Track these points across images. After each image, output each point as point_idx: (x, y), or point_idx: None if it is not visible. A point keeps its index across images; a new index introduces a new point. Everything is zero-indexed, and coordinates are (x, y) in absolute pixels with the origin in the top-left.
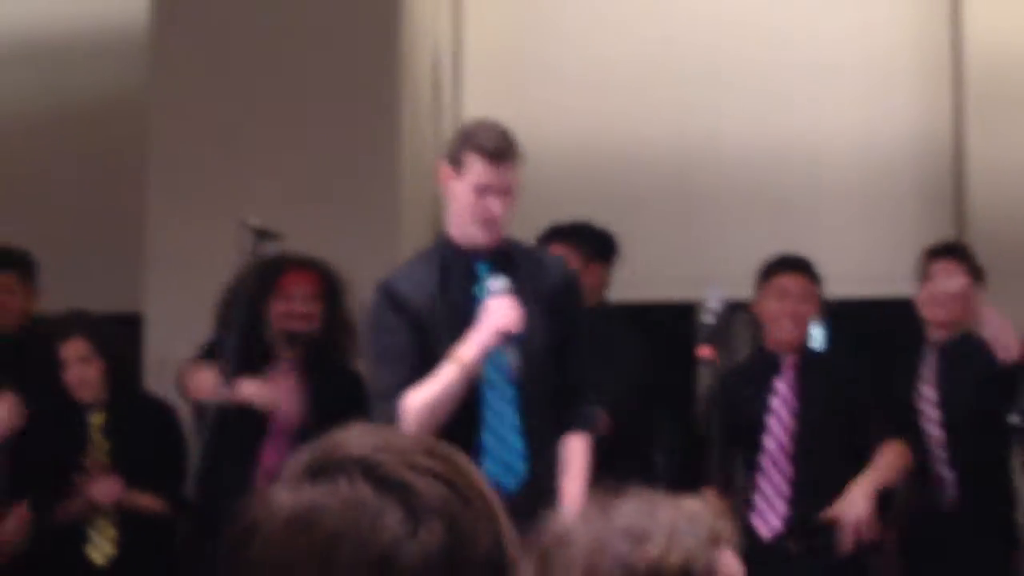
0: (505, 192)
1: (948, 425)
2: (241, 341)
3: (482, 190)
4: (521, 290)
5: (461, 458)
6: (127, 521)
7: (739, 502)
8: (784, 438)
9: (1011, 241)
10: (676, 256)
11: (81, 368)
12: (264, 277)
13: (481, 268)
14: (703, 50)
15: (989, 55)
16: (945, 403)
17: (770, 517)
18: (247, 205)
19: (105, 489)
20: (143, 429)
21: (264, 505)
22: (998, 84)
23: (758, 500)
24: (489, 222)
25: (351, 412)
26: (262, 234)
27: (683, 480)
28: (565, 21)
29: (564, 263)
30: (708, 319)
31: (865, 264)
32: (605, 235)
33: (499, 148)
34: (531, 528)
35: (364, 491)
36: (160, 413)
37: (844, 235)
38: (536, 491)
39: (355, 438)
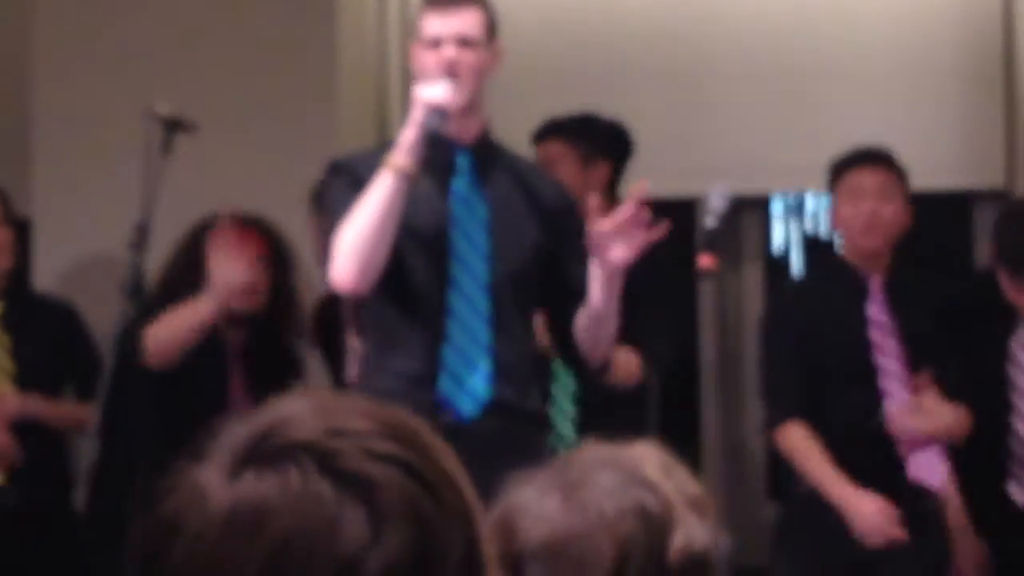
0: (463, 40)
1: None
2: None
3: (434, 41)
4: (505, 189)
5: (428, 438)
6: (22, 432)
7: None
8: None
9: None
10: (675, 144)
11: (3, 233)
12: (194, 244)
13: (461, 160)
14: None
15: None
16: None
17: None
18: (149, 93)
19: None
20: (45, 323)
21: (192, 497)
22: None
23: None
24: (450, 73)
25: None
26: (173, 124)
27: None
28: None
29: (565, 188)
30: (711, 222)
31: (902, 155)
32: (614, 128)
33: None
34: (490, 463)
35: (320, 487)
36: (62, 312)
37: (875, 121)
38: (500, 420)
39: (303, 417)
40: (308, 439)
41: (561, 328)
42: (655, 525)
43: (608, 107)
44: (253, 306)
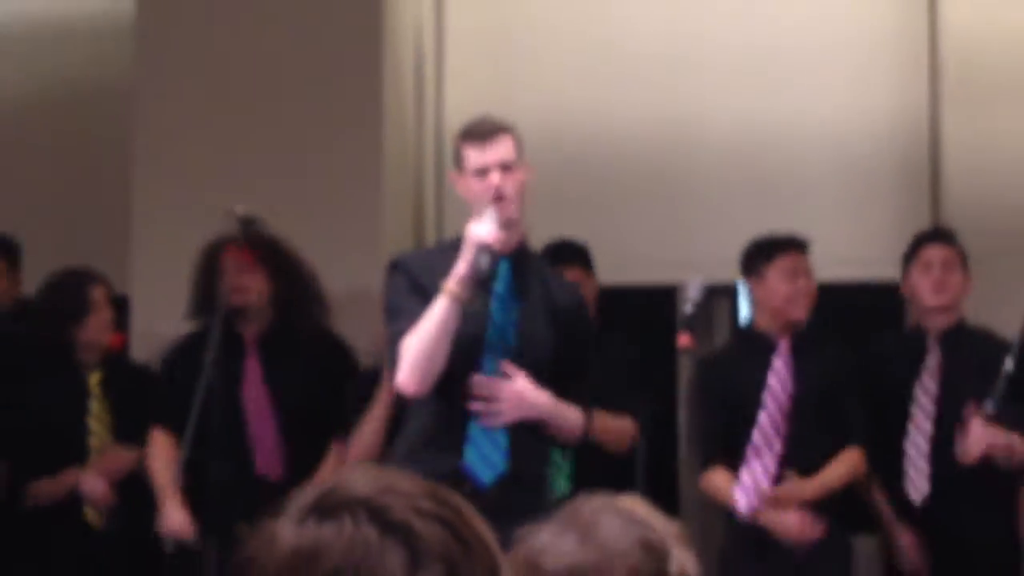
0: (504, 166)
1: (941, 419)
2: (218, 329)
3: (480, 171)
4: (533, 296)
5: (463, 503)
6: (124, 483)
7: None
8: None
9: (985, 227)
10: (658, 240)
11: (105, 311)
12: (207, 258)
13: (503, 266)
14: (687, 37)
15: (965, 44)
16: (944, 396)
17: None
18: (230, 191)
19: (96, 488)
20: (138, 388)
21: (266, 539)
22: (974, 72)
23: None
24: (497, 197)
25: (325, 385)
26: (247, 221)
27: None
28: (548, 9)
29: (579, 290)
30: (688, 308)
31: (844, 248)
32: (581, 246)
33: (482, 128)
34: (501, 526)
35: (368, 532)
36: (151, 378)
37: (823, 220)
38: (513, 488)
39: (361, 479)
40: (363, 495)
41: None
42: (656, 554)
43: (602, 211)
44: (248, 303)
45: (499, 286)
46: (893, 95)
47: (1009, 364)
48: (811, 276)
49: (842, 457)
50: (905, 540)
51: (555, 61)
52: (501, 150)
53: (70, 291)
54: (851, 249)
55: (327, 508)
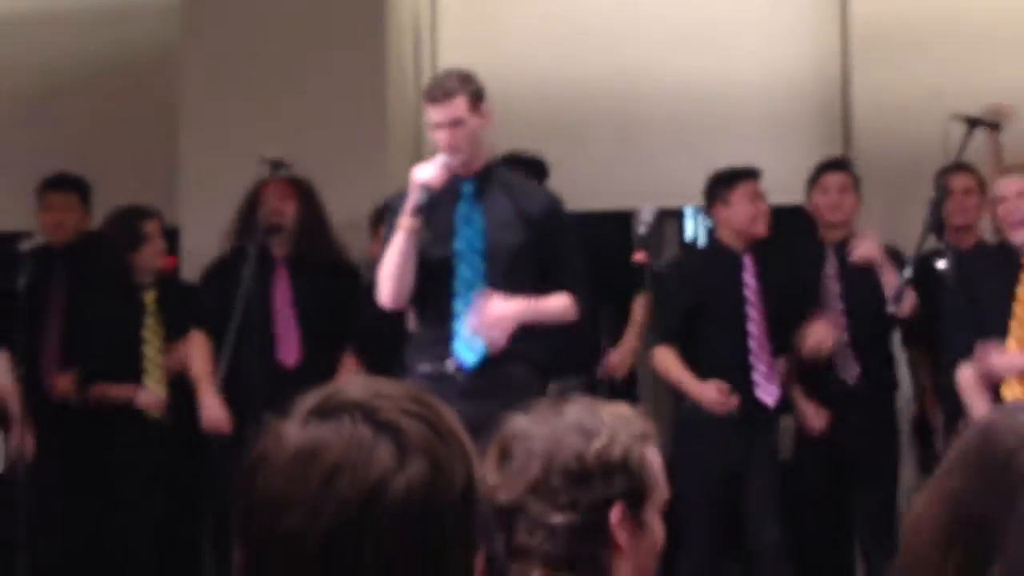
0: (453, 122)
1: (849, 312)
2: (256, 247)
3: (437, 125)
4: (499, 203)
5: (442, 405)
6: (176, 383)
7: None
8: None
9: (888, 157)
10: (616, 173)
11: (160, 243)
12: (252, 194)
13: (465, 186)
14: (637, 7)
15: (872, 5)
16: (846, 295)
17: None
18: (261, 139)
19: (151, 400)
20: (186, 304)
21: (275, 438)
22: (878, 27)
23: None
24: (448, 148)
25: (336, 298)
26: (276, 164)
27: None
28: None
29: (549, 193)
30: (642, 230)
31: (770, 177)
32: (537, 161)
33: (436, 91)
34: (485, 407)
35: (363, 430)
36: (195, 294)
37: (752, 154)
38: (493, 372)
39: (356, 386)
40: (358, 399)
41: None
42: (586, 434)
43: (567, 146)
44: (283, 223)
45: (462, 206)
46: (810, 47)
47: (907, 271)
48: (765, 199)
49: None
50: (808, 409)
51: (531, 27)
52: (452, 109)
53: (127, 224)
54: (776, 178)
55: (327, 410)
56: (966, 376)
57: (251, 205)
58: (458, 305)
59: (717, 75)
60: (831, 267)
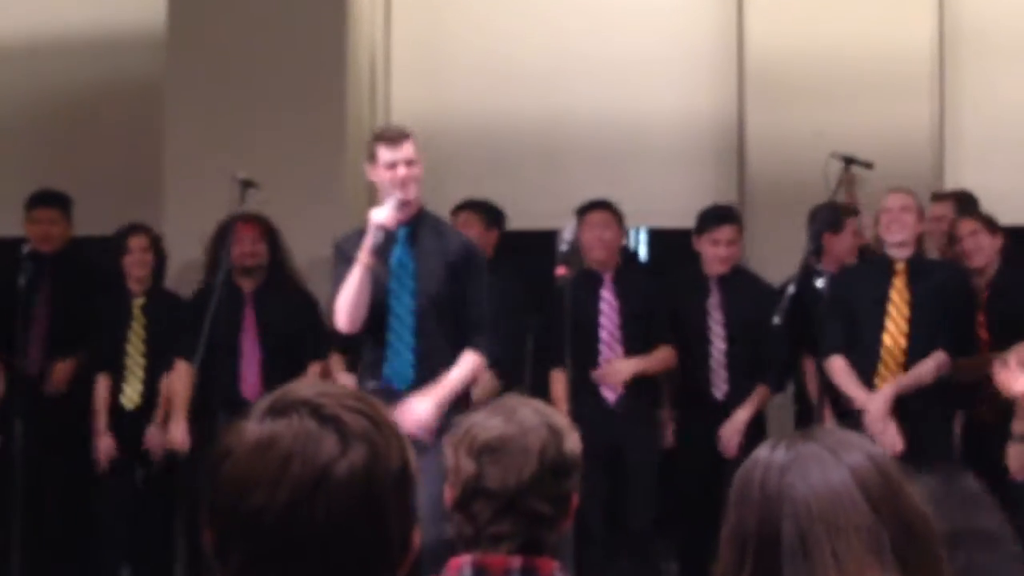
0: (407, 161)
1: (730, 336)
2: (224, 277)
3: (391, 165)
4: (428, 248)
5: (378, 402)
6: (151, 378)
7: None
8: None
9: (776, 188)
10: (542, 196)
11: (142, 255)
12: (224, 231)
13: (401, 231)
14: (560, 50)
15: (764, 55)
16: (727, 321)
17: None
18: (234, 161)
19: (181, 436)
20: (168, 311)
21: (236, 433)
22: (771, 76)
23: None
24: (402, 183)
25: (299, 319)
26: (246, 184)
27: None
28: (465, 30)
29: (467, 241)
30: (563, 247)
31: (673, 204)
32: (495, 208)
33: (392, 133)
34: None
35: (309, 423)
36: (179, 304)
37: (659, 184)
38: (430, 383)
39: (304, 386)
40: (305, 397)
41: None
42: (558, 434)
43: (501, 172)
44: (256, 264)
45: (398, 250)
46: (710, 93)
47: (791, 288)
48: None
49: (656, 353)
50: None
51: (470, 72)
52: (406, 150)
53: (117, 239)
54: (679, 203)
55: (279, 408)
56: (837, 364)
57: (221, 239)
58: (391, 337)
59: (631, 112)
60: (714, 298)
